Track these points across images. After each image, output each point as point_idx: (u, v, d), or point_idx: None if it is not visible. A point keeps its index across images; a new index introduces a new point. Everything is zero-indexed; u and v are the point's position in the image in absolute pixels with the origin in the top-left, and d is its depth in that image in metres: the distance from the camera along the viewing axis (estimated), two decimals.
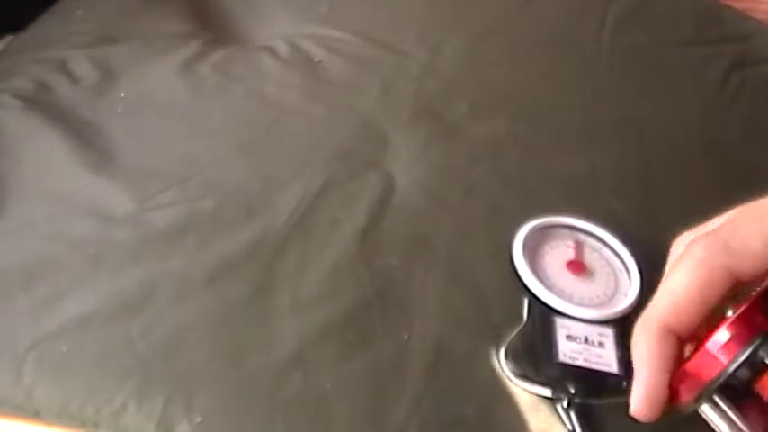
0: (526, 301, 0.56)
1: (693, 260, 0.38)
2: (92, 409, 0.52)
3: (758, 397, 0.38)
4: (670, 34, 0.91)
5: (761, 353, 0.37)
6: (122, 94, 0.77)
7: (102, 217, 0.63)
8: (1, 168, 0.68)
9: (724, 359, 0.37)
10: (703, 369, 0.38)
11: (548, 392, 0.53)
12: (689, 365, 0.39)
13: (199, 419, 0.51)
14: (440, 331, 0.57)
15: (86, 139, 0.71)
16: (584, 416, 0.51)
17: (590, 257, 0.59)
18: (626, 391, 0.52)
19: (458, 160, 0.72)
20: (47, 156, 0.69)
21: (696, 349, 0.39)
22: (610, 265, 0.59)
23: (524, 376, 0.54)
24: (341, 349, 0.55)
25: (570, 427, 0.51)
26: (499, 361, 0.55)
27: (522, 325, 0.56)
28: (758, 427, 0.38)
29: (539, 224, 0.60)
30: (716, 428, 0.38)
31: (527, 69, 0.85)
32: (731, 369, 0.37)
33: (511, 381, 0.54)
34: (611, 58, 0.86)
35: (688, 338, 0.39)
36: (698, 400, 0.39)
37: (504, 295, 0.58)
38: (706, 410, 0.38)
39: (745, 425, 0.38)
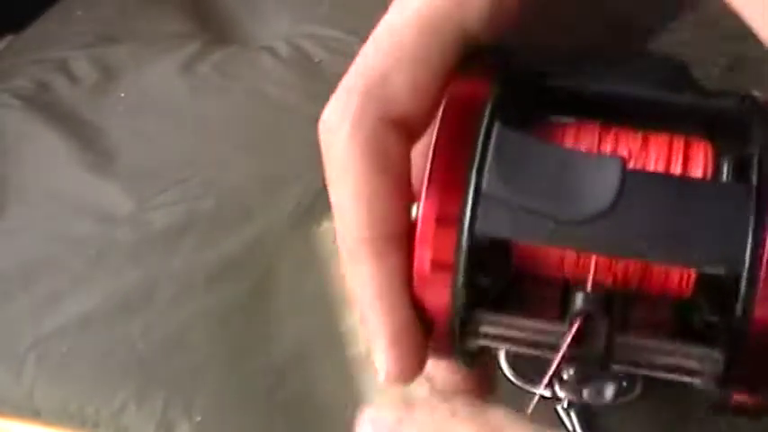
0: None
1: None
2: (92, 409, 0.52)
3: None
4: (670, 34, 0.91)
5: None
6: (122, 94, 0.77)
7: (103, 217, 0.63)
8: (1, 168, 0.68)
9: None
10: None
11: (547, 392, 0.53)
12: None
13: (199, 419, 0.51)
14: None
15: (86, 139, 0.71)
16: (585, 416, 0.51)
17: None
18: (626, 391, 0.51)
19: None
20: (47, 156, 0.69)
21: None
22: None
23: (525, 376, 0.54)
24: (341, 349, 0.55)
25: (570, 428, 0.51)
26: (499, 360, 0.55)
27: None
28: None
29: None
30: None
31: None
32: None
33: (511, 381, 0.54)
34: None
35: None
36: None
37: None
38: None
39: None
